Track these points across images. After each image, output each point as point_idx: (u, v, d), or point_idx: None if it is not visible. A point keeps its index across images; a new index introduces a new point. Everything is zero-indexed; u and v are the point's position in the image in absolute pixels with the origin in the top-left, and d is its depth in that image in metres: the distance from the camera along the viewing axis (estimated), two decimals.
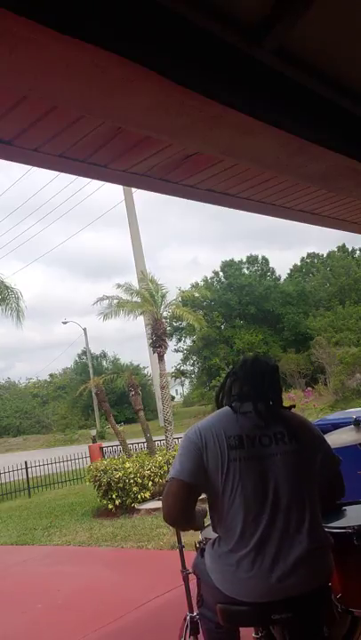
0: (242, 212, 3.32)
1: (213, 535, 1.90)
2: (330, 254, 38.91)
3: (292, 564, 1.69)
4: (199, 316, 13.05)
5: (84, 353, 39.97)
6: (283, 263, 66.86)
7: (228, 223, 70.86)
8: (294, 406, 2.04)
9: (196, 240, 71.40)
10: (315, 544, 1.75)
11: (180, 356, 38.44)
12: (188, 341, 37.77)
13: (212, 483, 1.77)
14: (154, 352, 11.11)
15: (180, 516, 1.86)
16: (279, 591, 1.69)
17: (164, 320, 11.12)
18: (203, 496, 1.85)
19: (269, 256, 46.65)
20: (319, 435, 1.97)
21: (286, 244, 64.84)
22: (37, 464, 14.02)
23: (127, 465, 8.11)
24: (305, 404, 15.00)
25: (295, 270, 39.41)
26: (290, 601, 1.70)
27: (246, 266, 38.22)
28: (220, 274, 37.65)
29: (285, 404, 1.98)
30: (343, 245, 38.16)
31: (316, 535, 1.78)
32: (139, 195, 29.67)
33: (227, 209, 3.33)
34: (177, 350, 38.21)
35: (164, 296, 11.10)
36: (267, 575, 1.69)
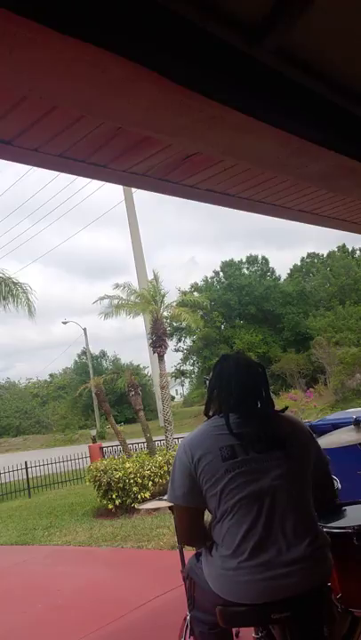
0: (240, 211, 3.32)
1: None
2: (330, 254, 38.90)
3: (290, 565, 1.69)
4: (197, 316, 13.05)
5: (84, 353, 39.99)
6: (282, 263, 66.92)
7: (227, 223, 70.79)
8: (287, 408, 2.02)
9: (193, 240, 71.39)
10: (312, 544, 1.75)
11: (180, 355, 38.50)
12: (188, 341, 37.82)
13: (208, 495, 1.77)
14: (154, 352, 11.11)
15: (191, 536, 1.94)
16: (278, 592, 1.69)
17: (164, 320, 11.13)
18: None
19: (269, 256, 46.63)
20: (311, 435, 1.97)
21: (286, 244, 64.83)
22: (37, 464, 14.02)
23: (127, 465, 8.11)
24: (306, 404, 14.99)
25: (295, 270, 39.37)
26: (289, 600, 1.70)
27: (246, 266, 38.23)
28: (220, 274, 37.67)
29: (284, 404, 1.97)
30: (343, 245, 38.17)
31: (313, 536, 1.78)
32: (135, 194, 29.61)
33: (224, 208, 3.33)
34: (177, 350, 38.26)
35: (164, 296, 11.13)
36: (265, 577, 1.69)
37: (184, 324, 34.95)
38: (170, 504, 2.30)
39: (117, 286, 11.66)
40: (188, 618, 2.41)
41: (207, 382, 1.98)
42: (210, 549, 1.85)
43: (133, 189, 24.31)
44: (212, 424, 1.85)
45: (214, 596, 1.78)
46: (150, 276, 11.42)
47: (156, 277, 11.40)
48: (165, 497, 1.91)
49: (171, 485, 1.84)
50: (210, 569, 1.82)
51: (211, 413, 1.92)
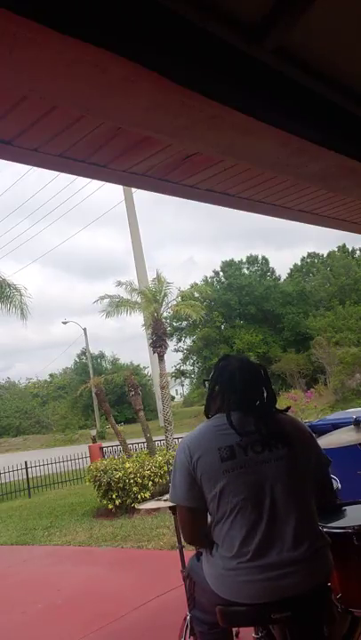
0: (240, 211, 3.32)
1: None
2: (330, 254, 38.89)
3: (290, 566, 1.70)
4: (197, 307, 12.90)
5: (84, 353, 39.97)
6: (282, 263, 66.92)
7: (226, 222, 70.75)
8: (290, 408, 2.02)
9: (192, 239, 71.42)
10: (313, 545, 1.75)
11: (180, 355, 38.48)
12: (188, 341, 37.81)
13: (208, 495, 1.77)
14: (154, 352, 11.11)
15: (194, 536, 1.91)
16: (278, 591, 1.69)
17: (164, 320, 11.12)
18: None
19: (269, 256, 46.65)
20: (311, 435, 1.96)
21: (286, 244, 64.83)
22: (37, 464, 14.02)
23: (127, 465, 8.11)
24: (306, 404, 14.98)
25: (295, 270, 39.38)
26: (289, 600, 1.70)
27: (246, 266, 38.24)
28: (220, 274, 37.68)
29: (284, 404, 1.97)
30: (343, 245, 38.17)
31: (314, 537, 1.78)
32: (134, 194, 29.53)
33: (224, 208, 3.33)
34: (177, 350, 38.23)
35: (166, 295, 11.12)
36: (265, 577, 1.69)
37: (184, 324, 35.07)
38: (170, 504, 2.31)
39: (120, 284, 11.65)
40: (188, 618, 2.41)
41: (207, 383, 1.97)
42: (210, 549, 1.85)
43: (133, 189, 24.33)
44: (212, 423, 1.85)
45: (214, 596, 1.78)
46: (150, 276, 11.43)
47: (158, 276, 11.37)
48: (165, 497, 1.90)
49: (172, 485, 1.84)
50: (210, 569, 1.82)
51: (211, 414, 1.92)
